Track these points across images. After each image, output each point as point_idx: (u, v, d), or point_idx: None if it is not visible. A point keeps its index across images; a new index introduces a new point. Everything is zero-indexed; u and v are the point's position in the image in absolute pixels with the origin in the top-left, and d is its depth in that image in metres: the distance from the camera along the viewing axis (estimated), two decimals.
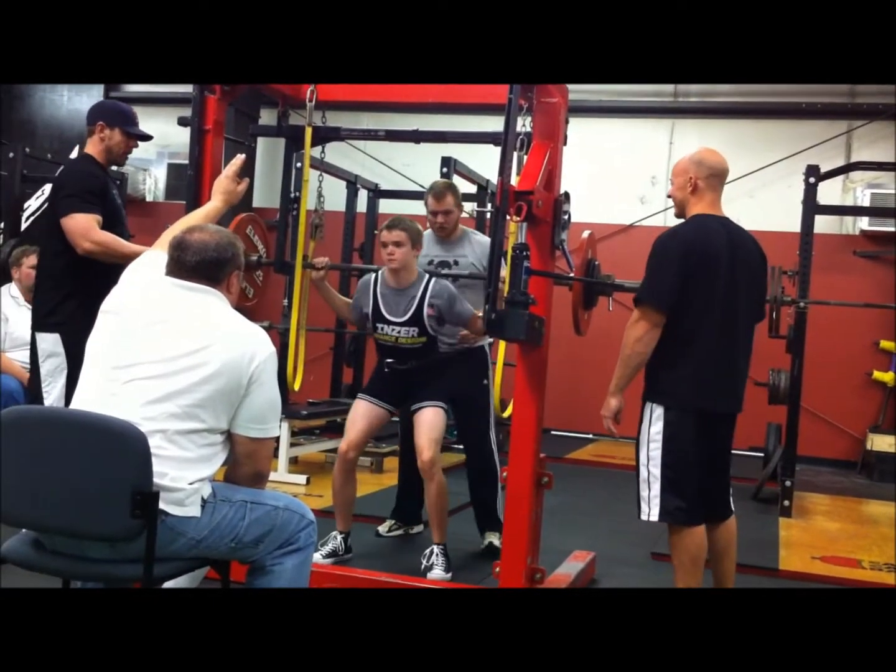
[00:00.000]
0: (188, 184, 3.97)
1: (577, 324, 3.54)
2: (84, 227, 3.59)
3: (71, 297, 3.67)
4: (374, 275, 4.08)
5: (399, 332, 3.96)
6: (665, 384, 3.23)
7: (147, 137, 3.86)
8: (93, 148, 3.79)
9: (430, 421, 3.93)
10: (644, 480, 3.25)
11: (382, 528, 4.55)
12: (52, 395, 3.64)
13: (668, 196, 3.45)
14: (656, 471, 3.21)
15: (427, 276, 3.99)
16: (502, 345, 4.04)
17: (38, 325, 3.73)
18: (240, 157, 3.25)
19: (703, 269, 3.17)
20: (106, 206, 3.68)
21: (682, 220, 3.32)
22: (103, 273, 3.56)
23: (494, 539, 4.25)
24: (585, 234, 3.62)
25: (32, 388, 3.76)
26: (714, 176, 3.29)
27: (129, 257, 3.56)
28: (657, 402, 3.24)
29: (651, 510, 3.22)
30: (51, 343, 3.66)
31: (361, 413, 4.04)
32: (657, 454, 3.21)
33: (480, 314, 3.68)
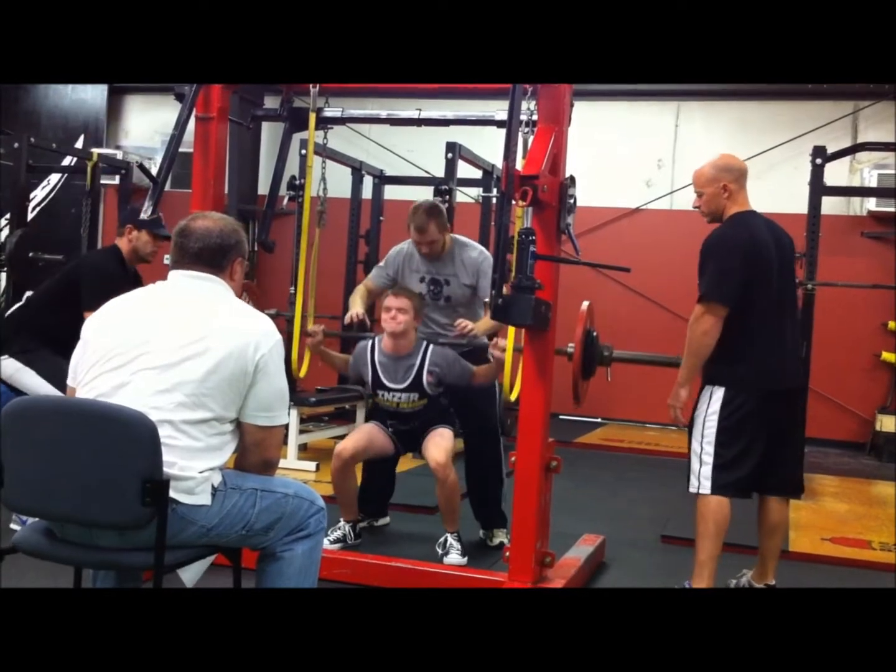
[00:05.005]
0: (159, 169, 3.92)
1: (576, 393, 3.55)
2: None
3: (45, 347, 4.04)
4: (370, 341, 4.09)
5: (400, 397, 4.00)
6: (729, 370, 3.40)
7: (169, 237, 4.07)
8: (123, 245, 4.26)
9: (438, 440, 3.96)
10: (696, 455, 3.45)
11: None
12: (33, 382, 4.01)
13: (695, 207, 3.59)
14: (709, 448, 3.40)
15: (425, 343, 4.02)
16: (511, 330, 4.02)
17: (8, 349, 4.08)
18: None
19: (760, 264, 3.40)
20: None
21: (726, 221, 3.48)
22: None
23: (504, 538, 4.23)
24: (584, 304, 3.60)
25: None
26: (742, 176, 3.53)
27: None
28: (719, 385, 3.42)
29: (702, 484, 3.41)
30: (12, 369, 4.06)
31: (367, 431, 4.10)
32: (711, 433, 3.40)
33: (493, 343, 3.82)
